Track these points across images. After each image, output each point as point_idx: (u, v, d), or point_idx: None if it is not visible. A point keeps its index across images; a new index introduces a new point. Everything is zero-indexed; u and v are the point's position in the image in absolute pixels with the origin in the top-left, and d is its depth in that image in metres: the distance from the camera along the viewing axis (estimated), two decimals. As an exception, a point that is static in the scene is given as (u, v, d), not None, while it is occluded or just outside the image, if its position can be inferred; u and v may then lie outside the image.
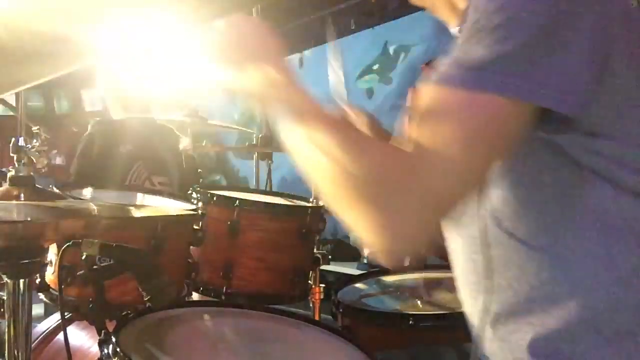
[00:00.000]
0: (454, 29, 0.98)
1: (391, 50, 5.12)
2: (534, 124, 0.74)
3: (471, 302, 0.97)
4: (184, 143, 2.07)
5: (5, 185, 1.17)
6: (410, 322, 1.46)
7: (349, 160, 0.74)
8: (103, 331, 1.00)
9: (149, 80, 2.68)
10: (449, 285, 1.83)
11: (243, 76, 0.87)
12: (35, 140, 1.24)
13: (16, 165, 1.19)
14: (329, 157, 0.76)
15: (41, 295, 1.31)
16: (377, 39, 5.16)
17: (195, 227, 1.47)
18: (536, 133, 0.77)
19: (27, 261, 0.95)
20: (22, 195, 1.16)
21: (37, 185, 1.23)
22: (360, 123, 1.31)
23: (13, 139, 1.20)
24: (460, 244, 0.96)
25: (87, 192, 1.71)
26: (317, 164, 0.79)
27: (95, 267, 0.99)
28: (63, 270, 1.15)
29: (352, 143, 0.76)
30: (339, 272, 3.95)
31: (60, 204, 1.19)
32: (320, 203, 1.82)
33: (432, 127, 0.73)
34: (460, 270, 0.99)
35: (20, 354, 0.99)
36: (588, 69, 0.72)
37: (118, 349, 0.95)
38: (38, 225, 0.95)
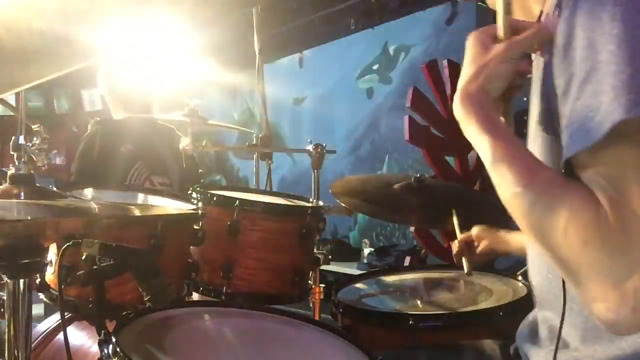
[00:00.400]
0: None
1: (391, 50, 5.12)
2: None
3: (542, 315, 0.99)
4: (184, 143, 2.07)
5: (6, 184, 1.17)
6: (410, 322, 1.46)
7: (545, 217, 0.71)
8: (103, 331, 1.00)
9: (149, 80, 2.69)
10: (449, 285, 1.84)
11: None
12: (35, 139, 1.24)
13: (16, 164, 1.19)
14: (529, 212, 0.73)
15: (41, 295, 1.31)
16: (377, 39, 5.17)
17: (195, 227, 1.47)
18: None
19: (27, 261, 0.95)
20: (22, 194, 1.16)
21: (37, 184, 1.23)
22: None
23: (13, 138, 1.20)
24: (537, 260, 0.98)
25: (88, 192, 1.71)
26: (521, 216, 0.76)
27: (95, 267, 0.99)
28: (63, 270, 1.15)
29: (545, 196, 0.72)
30: (339, 272, 3.96)
31: (61, 202, 1.19)
32: (320, 203, 1.83)
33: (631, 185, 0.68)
34: (536, 284, 1.01)
35: (20, 354, 0.99)
36: None
37: (118, 349, 0.95)
38: (38, 224, 0.96)
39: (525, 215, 0.75)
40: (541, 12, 0.91)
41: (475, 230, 1.71)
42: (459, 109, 0.85)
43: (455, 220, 1.78)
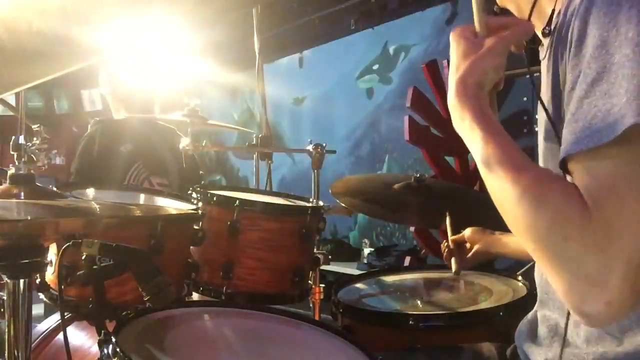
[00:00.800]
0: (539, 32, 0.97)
1: (391, 50, 5.12)
2: None
3: (542, 314, 1.00)
4: (184, 143, 2.07)
5: (6, 184, 1.17)
6: (410, 322, 1.46)
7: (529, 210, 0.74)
8: (103, 331, 1.00)
9: (151, 80, 2.69)
10: (449, 285, 1.84)
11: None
12: (35, 139, 1.25)
13: (16, 164, 1.19)
14: (513, 205, 0.76)
15: (41, 295, 1.31)
16: (377, 39, 5.17)
17: (195, 227, 1.47)
18: None
19: (27, 261, 0.95)
20: (22, 194, 1.16)
21: (37, 184, 1.23)
22: None
23: (13, 138, 1.20)
24: None
25: (89, 192, 1.71)
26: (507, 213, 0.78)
27: (95, 267, 0.99)
28: (63, 270, 1.15)
29: (531, 192, 0.74)
30: (339, 272, 3.96)
31: (61, 202, 1.19)
32: (320, 203, 1.83)
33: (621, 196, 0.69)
34: (539, 282, 1.02)
35: (20, 354, 0.99)
36: None
37: (118, 349, 0.95)
38: (38, 223, 0.95)
39: (511, 208, 0.77)
40: (553, 11, 0.91)
41: (467, 232, 1.70)
42: (454, 102, 0.86)
43: (448, 220, 1.78)
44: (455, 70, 0.87)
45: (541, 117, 0.94)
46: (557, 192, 0.73)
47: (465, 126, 0.85)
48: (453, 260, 1.66)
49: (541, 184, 0.75)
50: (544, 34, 0.94)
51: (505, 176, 0.77)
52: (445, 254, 1.71)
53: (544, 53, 0.94)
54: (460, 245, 1.71)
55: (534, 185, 0.75)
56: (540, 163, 0.99)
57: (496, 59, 0.86)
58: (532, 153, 0.99)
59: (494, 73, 0.86)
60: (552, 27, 0.91)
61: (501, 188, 0.78)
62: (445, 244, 1.72)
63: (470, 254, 1.68)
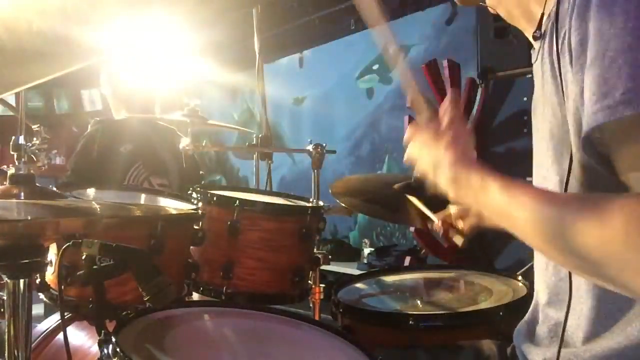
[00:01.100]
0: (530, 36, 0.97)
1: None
2: None
3: (545, 314, 0.99)
4: (184, 143, 2.07)
5: (6, 184, 1.17)
6: (410, 322, 1.46)
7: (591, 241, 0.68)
8: (103, 331, 1.00)
9: (151, 80, 2.69)
10: (449, 285, 1.84)
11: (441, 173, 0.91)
12: (35, 139, 1.25)
13: (16, 164, 1.19)
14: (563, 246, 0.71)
15: (41, 295, 1.31)
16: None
17: (195, 227, 1.47)
18: None
19: (27, 261, 0.95)
20: (22, 194, 1.16)
21: (37, 184, 1.22)
22: None
23: (13, 138, 1.20)
24: (547, 262, 0.98)
25: (89, 192, 1.71)
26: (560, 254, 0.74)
27: (95, 267, 0.99)
28: (63, 270, 1.15)
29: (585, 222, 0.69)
30: (339, 272, 3.96)
31: (61, 202, 1.19)
32: (320, 203, 1.83)
33: None
34: (547, 284, 1.00)
35: (20, 354, 0.99)
36: None
37: (118, 349, 0.95)
38: (38, 223, 0.95)
39: (568, 236, 0.70)
40: (542, 15, 0.91)
41: (453, 209, 1.66)
42: (454, 171, 0.88)
43: (416, 202, 1.72)
44: (436, 152, 0.91)
45: (535, 117, 0.94)
46: (613, 202, 0.68)
47: (475, 187, 0.84)
48: (456, 235, 1.62)
49: (588, 201, 0.72)
50: (535, 38, 0.93)
51: (550, 213, 0.73)
52: (444, 234, 1.66)
53: (535, 56, 0.94)
54: (450, 223, 1.67)
55: (583, 205, 0.71)
56: (534, 166, 0.99)
57: (461, 127, 0.92)
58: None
59: (470, 139, 0.92)
60: (543, 30, 0.91)
61: (548, 220, 0.73)
62: (439, 223, 1.67)
63: (464, 232, 1.64)
